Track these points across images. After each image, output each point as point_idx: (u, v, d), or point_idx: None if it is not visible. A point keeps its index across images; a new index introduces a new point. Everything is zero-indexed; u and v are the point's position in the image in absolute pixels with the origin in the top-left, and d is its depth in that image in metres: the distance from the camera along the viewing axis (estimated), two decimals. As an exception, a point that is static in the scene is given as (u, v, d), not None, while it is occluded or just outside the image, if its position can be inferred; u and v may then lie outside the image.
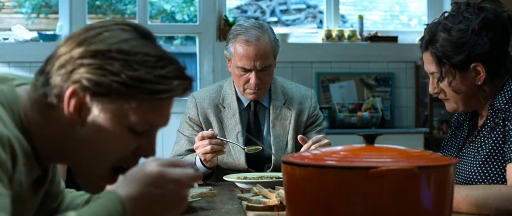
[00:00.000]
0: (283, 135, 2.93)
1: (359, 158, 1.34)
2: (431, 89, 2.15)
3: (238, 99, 2.96)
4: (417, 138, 5.61)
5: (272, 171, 2.84)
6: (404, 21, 6.69)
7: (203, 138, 2.54)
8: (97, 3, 8.50)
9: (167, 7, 9.50)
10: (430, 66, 2.10)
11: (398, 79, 6.03)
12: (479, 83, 2.04)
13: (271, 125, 2.94)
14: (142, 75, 1.25)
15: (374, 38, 6.01)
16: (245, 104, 2.96)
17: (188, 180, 1.25)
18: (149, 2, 5.92)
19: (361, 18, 6.08)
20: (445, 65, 2.05)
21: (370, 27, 6.31)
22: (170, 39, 10.18)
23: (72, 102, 1.26)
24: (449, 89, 2.08)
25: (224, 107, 2.94)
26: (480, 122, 2.13)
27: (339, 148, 1.42)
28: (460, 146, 2.19)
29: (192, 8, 9.32)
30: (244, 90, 2.88)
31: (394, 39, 6.03)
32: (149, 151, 1.37)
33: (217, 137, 2.58)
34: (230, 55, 2.87)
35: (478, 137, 2.06)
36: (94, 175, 1.36)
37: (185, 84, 1.31)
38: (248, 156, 2.86)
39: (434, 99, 5.82)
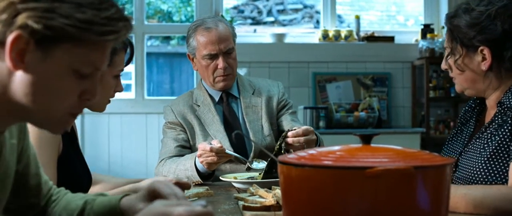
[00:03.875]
0: (256, 120, 3.03)
1: (355, 158, 1.34)
2: (442, 64, 2.20)
3: (210, 96, 3.06)
4: (414, 138, 5.62)
5: (254, 155, 2.92)
6: (400, 21, 6.70)
7: (211, 151, 2.57)
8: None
9: (164, 7, 9.49)
10: (446, 40, 2.15)
11: (394, 79, 6.04)
12: (484, 68, 2.05)
13: (244, 113, 3.04)
14: (90, 17, 1.25)
15: (371, 38, 6.02)
16: (217, 99, 3.06)
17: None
18: (146, 2, 5.91)
19: (357, 18, 6.09)
20: (455, 41, 2.10)
21: (367, 27, 6.32)
22: (167, 39, 10.17)
23: (16, 47, 1.22)
24: (454, 66, 2.12)
25: (199, 105, 3.04)
26: (488, 119, 2.14)
27: (335, 148, 1.42)
28: (465, 142, 2.19)
29: (189, 8, 9.32)
30: (214, 79, 2.99)
31: (390, 39, 6.04)
32: (93, 94, 1.35)
33: (227, 151, 2.62)
34: (194, 49, 3.00)
35: (485, 133, 2.06)
36: (51, 120, 1.33)
37: (128, 26, 1.33)
38: (232, 143, 2.95)
39: (430, 99, 5.83)
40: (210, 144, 2.60)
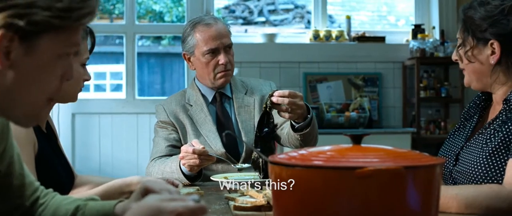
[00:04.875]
0: (249, 119, 3.03)
1: (346, 158, 1.34)
2: (453, 55, 2.22)
3: (203, 95, 3.05)
4: (404, 138, 5.63)
5: (245, 155, 2.94)
6: (391, 21, 6.71)
7: (193, 153, 2.56)
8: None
9: (156, 7, 9.48)
10: (459, 31, 2.18)
11: (385, 79, 6.05)
12: (493, 62, 2.07)
13: (236, 113, 3.04)
14: (68, 4, 1.26)
15: (362, 38, 6.03)
16: (210, 98, 3.05)
17: (187, 212, 1.24)
18: (137, 2, 5.91)
19: (348, 18, 6.10)
20: (466, 32, 2.12)
21: (358, 28, 6.32)
22: (158, 39, 10.17)
23: (1, 47, 1.22)
24: (464, 57, 2.14)
25: (191, 105, 3.03)
26: (492, 115, 2.16)
27: (326, 148, 1.42)
28: (468, 136, 2.20)
29: (180, 9, 9.31)
30: (215, 76, 2.98)
31: (381, 39, 6.05)
32: (71, 73, 1.36)
33: (209, 154, 2.61)
34: (192, 47, 2.99)
35: (489, 129, 2.07)
36: (33, 112, 1.33)
37: (97, 2, 1.33)
38: (224, 143, 2.95)
39: (421, 99, 5.84)
40: (192, 146, 2.59)
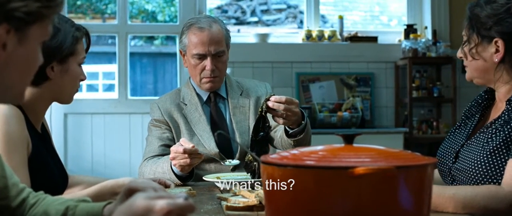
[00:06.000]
0: (244, 120, 3.03)
1: (338, 158, 1.34)
2: (458, 52, 2.23)
3: (198, 95, 3.05)
4: (397, 138, 5.64)
5: (239, 155, 2.92)
6: (384, 21, 6.72)
7: (184, 152, 2.55)
8: (78, 2, 8.45)
9: (148, 7, 9.47)
10: (464, 28, 2.19)
11: (378, 79, 6.06)
12: (496, 60, 2.09)
13: (231, 113, 3.03)
14: None
15: (354, 38, 6.03)
16: (205, 98, 3.05)
17: (176, 210, 1.23)
18: (129, 2, 5.89)
19: (341, 18, 6.10)
20: (472, 29, 2.13)
21: (350, 27, 6.32)
22: (151, 39, 10.16)
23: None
24: (468, 54, 2.15)
25: (186, 104, 3.03)
26: (495, 113, 2.17)
27: (318, 148, 1.42)
28: (469, 134, 2.21)
29: (172, 8, 9.30)
30: (201, 80, 2.98)
31: (374, 39, 6.06)
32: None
33: (200, 152, 2.60)
34: (185, 47, 2.99)
35: (491, 128, 2.08)
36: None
37: None
38: (217, 142, 2.94)
39: (413, 99, 5.85)
40: (181, 145, 2.58)
